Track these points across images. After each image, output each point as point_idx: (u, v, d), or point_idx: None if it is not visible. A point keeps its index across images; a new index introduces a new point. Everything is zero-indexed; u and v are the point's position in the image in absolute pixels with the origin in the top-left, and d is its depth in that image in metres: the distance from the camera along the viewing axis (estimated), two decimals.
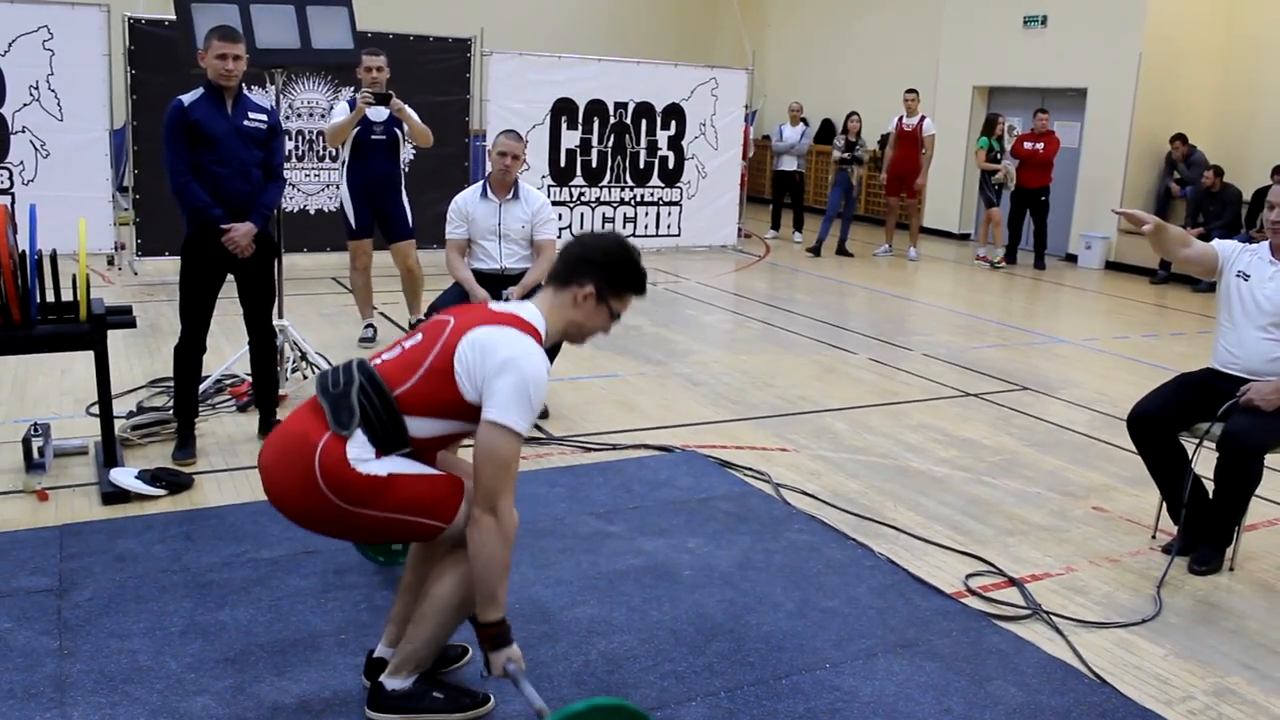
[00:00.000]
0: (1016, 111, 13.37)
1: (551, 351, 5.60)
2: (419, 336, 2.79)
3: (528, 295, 5.53)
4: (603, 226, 11.85)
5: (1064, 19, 12.76)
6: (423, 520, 2.72)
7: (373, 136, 6.80)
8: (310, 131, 10.01)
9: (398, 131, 6.87)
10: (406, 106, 6.76)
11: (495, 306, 2.80)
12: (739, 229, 12.88)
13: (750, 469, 5.06)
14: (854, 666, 3.32)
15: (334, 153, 9.97)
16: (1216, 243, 4.38)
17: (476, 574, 2.63)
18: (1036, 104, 12.76)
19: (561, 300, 2.81)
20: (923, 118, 12.35)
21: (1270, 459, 4.14)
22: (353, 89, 9.80)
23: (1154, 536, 4.49)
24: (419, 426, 2.70)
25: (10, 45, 8.91)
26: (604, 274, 2.79)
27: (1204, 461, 4.25)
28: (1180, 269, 4.62)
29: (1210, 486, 4.19)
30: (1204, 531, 4.20)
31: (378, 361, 2.77)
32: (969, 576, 4.01)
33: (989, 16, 13.64)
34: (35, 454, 4.60)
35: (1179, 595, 3.97)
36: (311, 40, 5.71)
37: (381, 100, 6.63)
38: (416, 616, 2.86)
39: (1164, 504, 4.41)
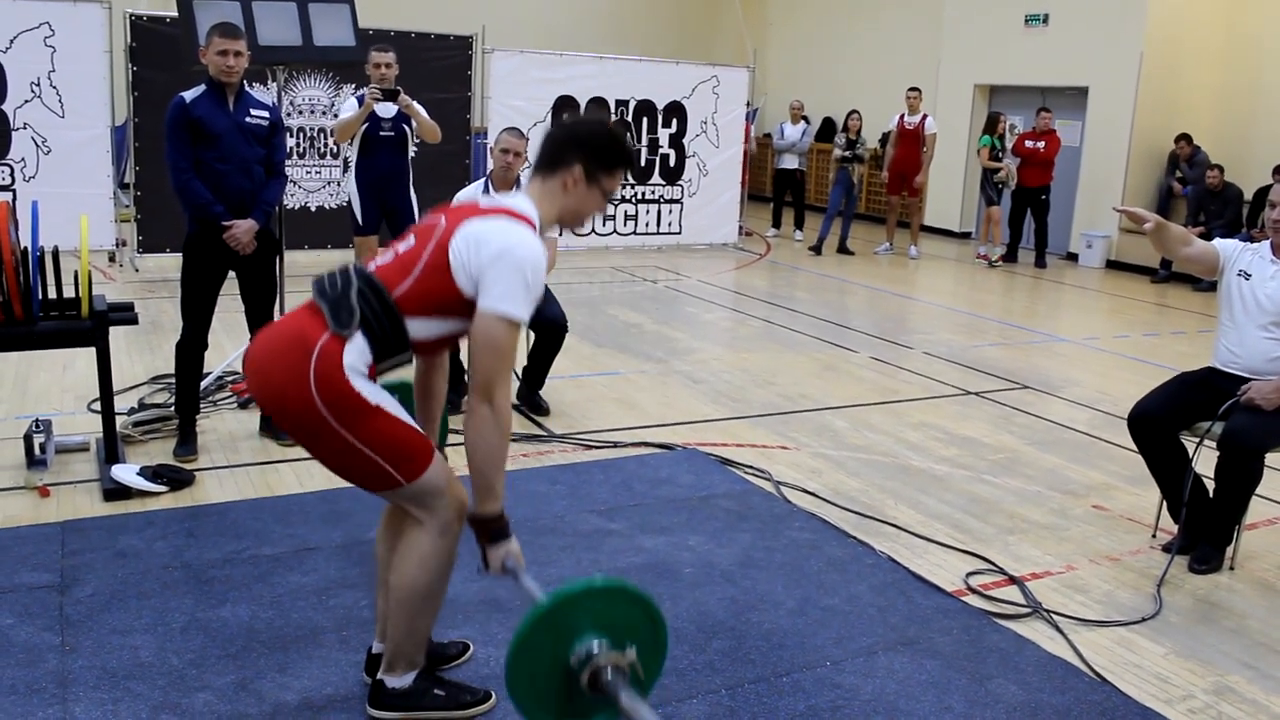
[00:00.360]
0: (1018, 110, 13.36)
1: (555, 343, 5.62)
2: (411, 239, 2.72)
3: None
4: (603, 224, 11.86)
5: (1065, 18, 12.75)
6: (385, 466, 2.63)
7: (381, 133, 6.79)
8: (312, 128, 10.01)
9: (406, 128, 6.87)
10: (414, 103, 6.77)
11: (485, 202, 2.74)
12: (740, 227, 12.88)
13: (751, 467, 5.06)
14: (855, 664, 3.32)
15: (335, 149, 9.97)
16: (1217, 242, 4.38)
17: (474, 466, 2.56)
18: (1038, 103, 12.76)
19: (551, 187, 2.73)
20: (924, 116, 12.36)
21: (1271, 458, 4.14)
22: (354, 86, 9.81)
23: (1154, 535, 4.50)
24: (418, 328, 2.65)
25: (12, 42, 8.92)
26: (591, 153, 2.71)
27: (1204, 460, 4.25)
28: (1181, 268, 4.62)
29: (1211, 485, 4.19)
30: (1204, 530, 4.21)
31: (372, 267, 2.70)
32: (969, 575, 4.02)
33: (990, 15, 13.64)
34: (37, 450, 4.60)
35: (1179, 594, 3.98)
36: (313, 37, 5.70)
37: (390, 96, 6.63)
38: (390, 612, 2.82)
39: (1164, 503, 4.41)
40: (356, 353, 2.59)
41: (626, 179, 2.87)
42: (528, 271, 2.55)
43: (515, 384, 5.07)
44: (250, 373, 2.69)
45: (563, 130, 2.79)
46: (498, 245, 2.56)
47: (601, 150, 2.73)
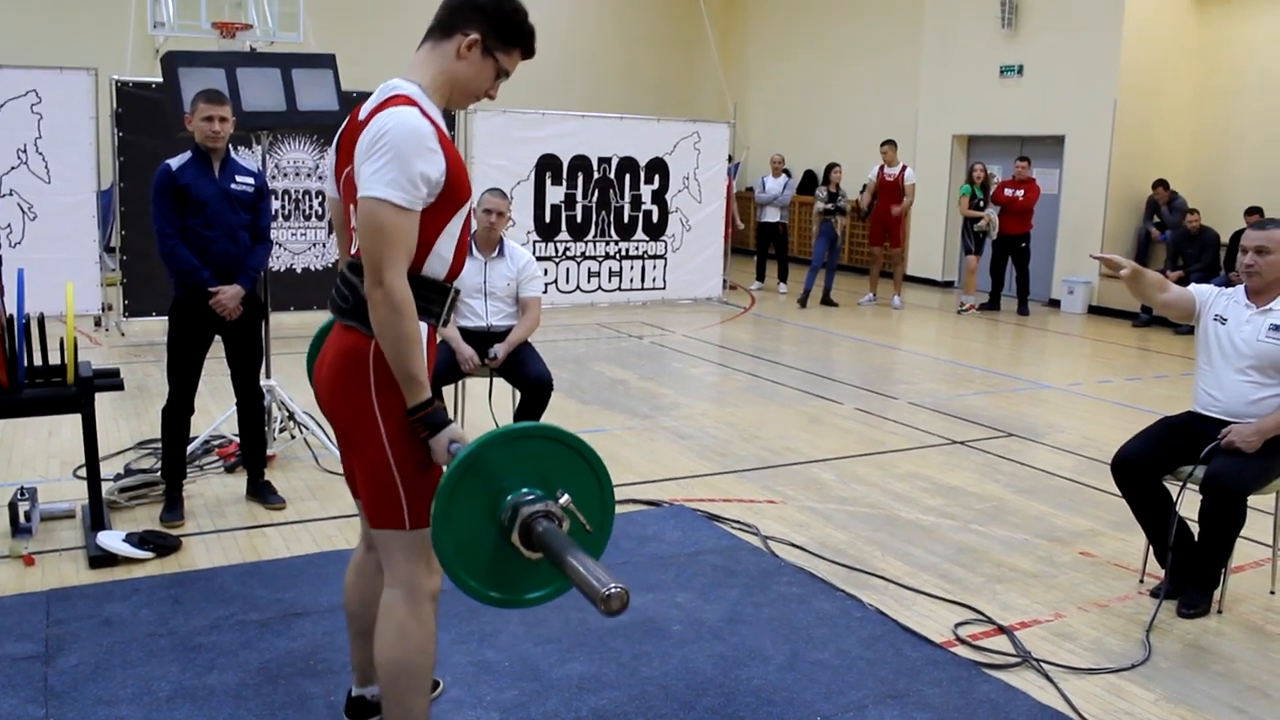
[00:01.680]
0: (996, 159, 13.55)
1: (541, 401, 5.62)
2: (350, 207, 2.65)
3: (512, 352, 5.58)
4: (588, 280, 11.94)
5: (1039, 68, 12.99)
6: (401, 502, 2.56)
7: None
8: (296, 191, 10.07)
9: None
10: None
11: (363, 115, 2.57)
12: (724, 281, 12.96)
13: (738, 522, 5.06)
14: (845, 719, 3.31)
15: (320, 211, 10.03)
16: (1193, 287, 4.45)
17: (388, 356, 2.45)
18: (1015, 152, 12.95)
19: (444, 52, 2.57)
20: (904, 167, 12.53)
21: (1253, 500, 4.17)
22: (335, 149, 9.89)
23: (1142, 580, 4.51)
24: (429, 267, 2.55)
25: None
26: (492, 22, 2.56)
27: (1189, 504, 4.27)
28: (1159, 313, 4.68)
29: (1195, 529, 4.21)
30: (1191, 574, 4.22)
31: (354, 250, 2.61)
32: (958, 625, 4.02)
33: (966, 67, 13.88)
34: (22, 518, 4.58)
35: (1168, 639, 3.98)
36: (297, 102, 5.77)
37: None
38: (383, 696, 2.70)
39: (1150, 548, 4.43)
40: None
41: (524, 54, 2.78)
42: (401, 144, 2.40)
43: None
44: (320, 393, 2.68)
45: None
46: (369, 135, 2.46)
47: (503, 22, 2.58)
